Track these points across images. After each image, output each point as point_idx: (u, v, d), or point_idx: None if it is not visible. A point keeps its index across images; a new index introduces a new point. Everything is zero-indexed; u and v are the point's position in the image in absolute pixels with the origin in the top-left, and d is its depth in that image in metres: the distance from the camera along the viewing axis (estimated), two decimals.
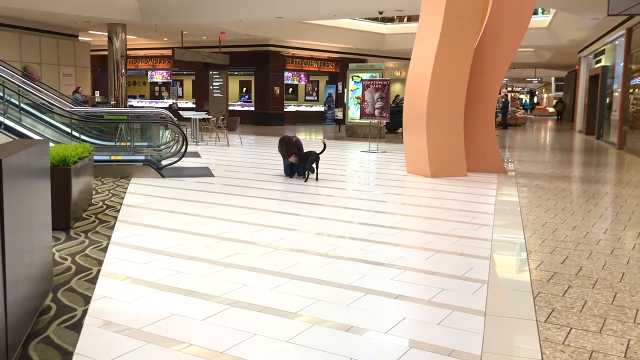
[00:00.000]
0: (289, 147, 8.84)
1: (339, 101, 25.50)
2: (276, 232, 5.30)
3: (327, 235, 5.23)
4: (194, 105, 27.29)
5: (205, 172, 9.34)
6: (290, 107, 27.25)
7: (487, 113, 10.04)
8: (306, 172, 8.68)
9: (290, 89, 29.10)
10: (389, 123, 19.02)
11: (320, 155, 8.81)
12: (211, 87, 21.99)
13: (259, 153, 13.01)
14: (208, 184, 8.20)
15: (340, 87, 25.61)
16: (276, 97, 25.32)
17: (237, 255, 4.50)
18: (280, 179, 8.88)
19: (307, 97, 30.00)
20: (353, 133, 18.70)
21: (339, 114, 22.60)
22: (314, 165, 8.74)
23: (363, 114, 14.00)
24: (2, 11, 17.37)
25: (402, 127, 11.38)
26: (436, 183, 8.79)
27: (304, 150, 8.98)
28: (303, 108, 28.16)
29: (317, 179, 8.71)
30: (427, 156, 9.36)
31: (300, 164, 8.85)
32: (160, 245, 4.78)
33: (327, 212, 6.34)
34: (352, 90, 18.42)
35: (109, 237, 4.99)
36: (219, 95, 21.69)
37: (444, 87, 9.28)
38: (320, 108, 27.62)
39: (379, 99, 13.57)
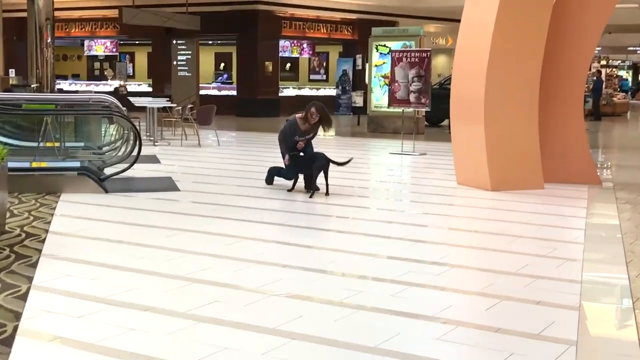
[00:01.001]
0: (324, 120, 8.94)
1: (358, 82, 25.40)
2: (269, 271, 5.31)
3: (342, 275, 5.27)
4: (150, 89, 27.36)
5: (166, 185, 9.39)
6: (288, 91, 27.15)
7: (572, 99, 9.95)
8: (309, 182, 8.79)
9: (288, 65, 29.13)
10: (430, 113, 18.56)
11: (331, 163, 8.86)
12: (175, 63, 21.94)
13: (244, 156, 12.93)
14: (171, 202, 8.26)
15: (359, 62, 25.49)
16: (268, 76, 25.26)
17: (213, 305, 4.51)
18: (275, 193, 8.89)
19: (313, 76, 30.04)
20: (378, 127, 18.60)
21: (357, 100, 22.57)
22: (321, 174, 8.76)
23: (393, 100, 13.83)
24: None
25: (448, 118, 11.19)
26: (499, 199, 8.78)
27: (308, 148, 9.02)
28: (306, 92, 27.96)
29: (327, 193, 8.76)
30: (487, 161, 9.27)
31: (300, 168, 8.90)
32: (102, 290, 4.77)
33: (342, 242, 6.35)
34: (376, 65, 18.27)
35: (30, 280, 4.97)
36: (186, 74, 21.68)
37: (509, 64, 9.18)
38: (332, 91, 27.52)
39: (415, 79, 13.35)
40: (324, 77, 30.45)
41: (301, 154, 8.97)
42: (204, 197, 8.72)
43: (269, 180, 9.41)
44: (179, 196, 8.74)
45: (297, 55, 29.15)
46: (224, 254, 5.85)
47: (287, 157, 8.88)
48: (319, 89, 28.71)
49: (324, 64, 30.50)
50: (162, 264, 5.50)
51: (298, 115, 9.04)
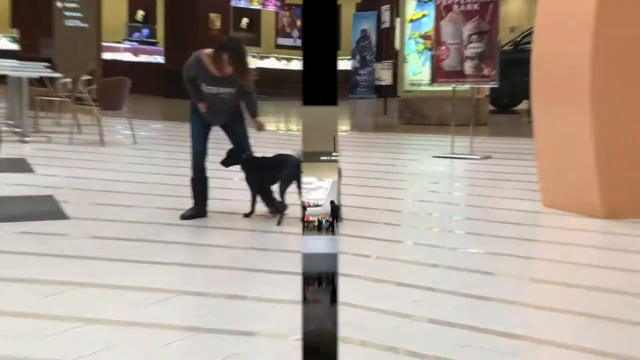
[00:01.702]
0: (236, 58, 6.94)
1: (385, 48, 22.35)
2: (219, 344, 4.60)
3: (361, 345, 4.54)
4: (15, 46, 24.42)
5: (45, 209, 8.23)
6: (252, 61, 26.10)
7: None
8: (275, 203, 7.68)
9: (245, 21, 26.89)
10: (499, 91, 16.99)
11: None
12: (61, 6, 19.19)
13: (174, 162, 11.33)
14: (53, 238, 6.98)
15: (386, 17, 22.77)
16: (214, 35, 22.47)
17: None
18: (223, 218, 7.64)
19: (281, 40, 27.82)
20: (415, 115, 16.77)
21: (384, 76, 20.05)
22: (290, 189, 7.56)
23: (438, 73, 12.18)
24: None
25: (528, 100, 10.57)
26: (617, 233, 7.54)
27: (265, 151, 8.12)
28: (272, 64, 26.39)
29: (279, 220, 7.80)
30: (596, 172, 7.99)
31: (256, 178, 7.82)
32: None
33: (358, 294, 5.44)
34: (411, 20, 16.23)
35: None
36: (80, 24, 19.42)
37: (626, 19, 7.88)
38: (346, 64, 24.20)
39: (474, 37, 11.54)
40: (297, 42, 27.68)
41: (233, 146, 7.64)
42: (109, 228, 7.27)
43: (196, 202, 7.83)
44: (66, 227, 7.31)
45: (258, 7, 25.81)
46: (142, 319, 4.93)
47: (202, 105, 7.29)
48: (291, 59, 26.50)
49: (297, 22, 27.82)
50: (39, 342, 4.60)
51: (206, 50, 7.18)
